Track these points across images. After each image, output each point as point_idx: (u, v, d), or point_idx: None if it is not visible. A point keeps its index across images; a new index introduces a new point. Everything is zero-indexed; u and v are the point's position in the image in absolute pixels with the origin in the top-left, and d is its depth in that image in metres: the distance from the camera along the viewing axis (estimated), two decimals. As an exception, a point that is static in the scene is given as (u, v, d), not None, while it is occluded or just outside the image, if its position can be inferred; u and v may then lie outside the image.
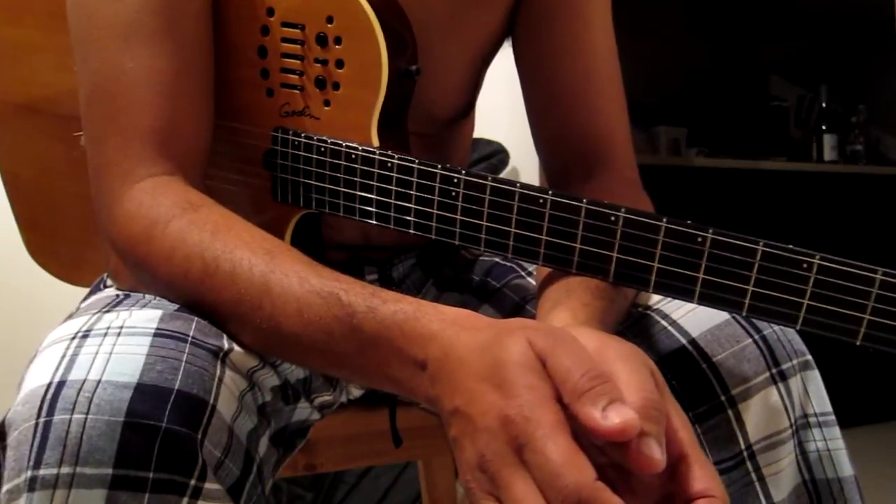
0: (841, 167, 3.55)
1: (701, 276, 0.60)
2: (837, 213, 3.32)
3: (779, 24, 3.77)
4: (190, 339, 0.60)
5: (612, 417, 0.46)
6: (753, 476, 0.66)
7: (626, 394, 0.48)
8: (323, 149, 0.74)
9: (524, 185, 0.65)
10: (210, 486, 0.55)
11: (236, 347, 0.63)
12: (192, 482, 0.54)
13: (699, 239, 0.59)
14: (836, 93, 3.71)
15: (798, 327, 0.57)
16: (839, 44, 3.79)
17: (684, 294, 0.61)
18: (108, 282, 0.83)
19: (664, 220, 0.61)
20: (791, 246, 0.57)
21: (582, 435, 0.47)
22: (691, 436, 0.51)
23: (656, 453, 0.47)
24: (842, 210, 3.34)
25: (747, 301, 0.59)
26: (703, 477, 0.49)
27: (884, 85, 3.72)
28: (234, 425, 0.59)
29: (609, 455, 0.49)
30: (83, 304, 0.75)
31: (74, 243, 1.04)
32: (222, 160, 0.80)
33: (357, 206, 0.73)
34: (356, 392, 0.90)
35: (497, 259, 0.94)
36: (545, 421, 0.47)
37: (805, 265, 0.56)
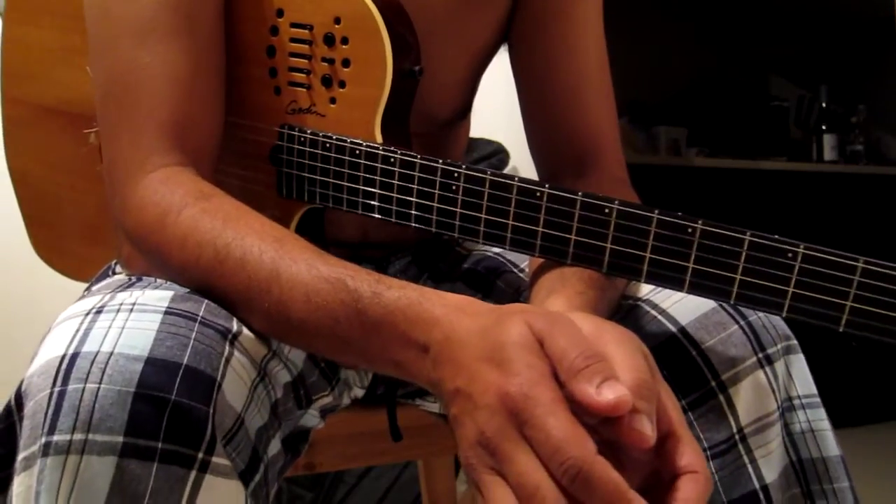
0: (841, 167, 3.54)
1: (691, 265, 0.62)
2: (837, 213, 3.32)
3: (779, 24, 3.77)
4: (199, 318, 0.61)
5: (606, 393, 0.48)
6: (745, 458, 0.68)
7: (619, 373, 0.50)
8: (328, 145, 0.76)
9: (522, 179, 0.67)
10: (218, 460, 0.56)
11: (245, 331, 0.64)
12: (200, 455, 0.55)
13: (689, 230, 0.61)
14: (836, 93, 3.71)
15: (784, 314, 0.59)
16: (839, 44, 3.80)
17: (675, 283, 0.63)
18: (118, 269, 0.85)
19: (656, 211, 0.63)
20: (777, 236, 0.59)
21: (576, 414, 0.49)
22: (680, 415, 0.53)
23: (647, 429, 0.49)
24: (842, 210, 3.34)
25: (735, 289, 0.61)
26: (688, 453, 0.51)
27: (884, 85, 3.72)
28: (245, 416, 0.60)
29: (600, 433, 0.51)
30: (94, 287, 0.77)
31: (80, 240, 1.05)
32: (230, 155, 0.82)
33: (360, 200, 0.75)
34: (358, 392, 0.91)
35: (489, 254, 0.96)
36: (544, 398, 0.49)
37: (790, 254, 0.58)
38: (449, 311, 0.56)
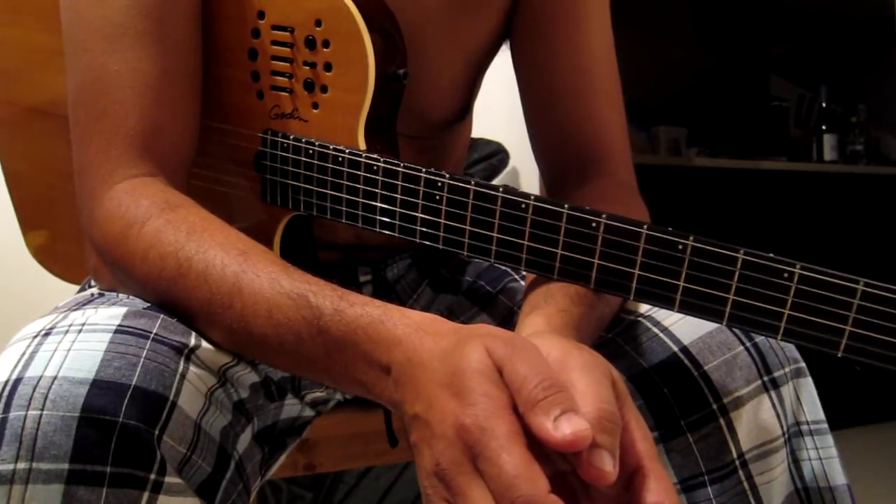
0: (841, 167, 3.55)
1: (682, 283, 0.59)
2: (837, 213, 3.32)
3: (779, 24, 3.77)
4: (152, 335, 0.60)
5: (564, 428, 0.46)
6: (746, 485, 0.66)
7: (581, 404, 0.48)
8: (311, 151, 0.74)
9: (507, 190, 0.65)
10: (171, 480, 0.55)
11: (205, 344, 0.63)
12: (152, 476, 0.54)
13: (680, 246, 0.59)
14: (836, 93, 3.71)
15: (779, 337, 0.57)
16: (839, 44, 3.79)
17: (665, 302, 0.61)
18: (93, 282, 0.83)
19: (645, 226, 0.60)
20: (772, 255, 0.56)
21: (540, 444, 0.47)
22: (650, 447, 0.51)
23: (607, 465, 0.47)
24: (842, 210, 3.33)
25: (728, 310, 0.58)
26: (656, 490, 0.49)
27: (884, 85, 3.72)
28: (202, 422, 0.59)
29: (570, 462, 0.49)
30: (62, 303, 0.76)
31: (76, 243, 1.04)
32: (214, 161, 0.80)
33: (344, 208, 0.73)
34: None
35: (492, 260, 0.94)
36: (500, 431, 0.47)
37: (786, 274, 0.56)
38: (411, 331, 0.55)
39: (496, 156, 2.03)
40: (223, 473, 0.60)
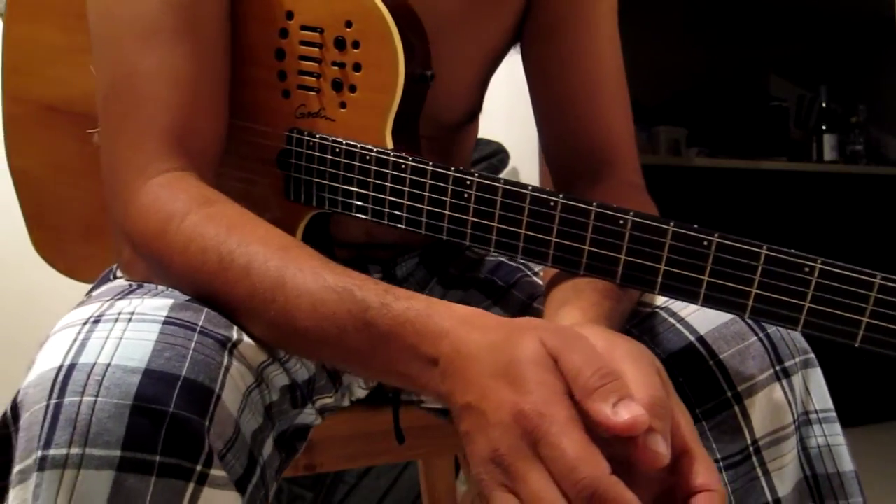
0: (841, 167, 3.55)
1: (706, 278, 0.61)
2: (837, 213, 3.32)
3: (779, 24, 3.77)
4: (199, 328, 0.61)
5: (622, 413, 0.48)
6: (759, 471, 0.68)
7: (633, 391, 0.50)
8: (338, 150, 0.75)
9: (535, 188, 0.67)
10: (216, 472, 0.55)
11: (245, 339, 0.64)
12: (199, 468, 0.54)
13: (705, 243, 0.61)
14: (836, 93, 3.72)
15: (799, 329, 0.59)
16: (839, 44, 3.80)
17: (689, 296, 0.63)
18: (118, 273, 0.84)
19: (671, 223, 0.62)
20: (793, 250, 0.58)
21: (589, 430, 0.49)
22: (693, 432, 0.53)
23: (662, 448, 0.49)
24: (842, 210, 3.34)
25: (750, 303, 0.60)
26: (703, 472, 0.51)
27: (884, 85, 3.73)
28: (240, 421, 0.60)
29: (613, 449, 0.50)
30: (94, 293, 0.76)
31: (82, 240, 1.05)
32: (236, 159, 0.81)
33: (370, 206, 0.75)
34: (359, 393, 0.91)
35: (503, 258, 0.95)
36: (559, 416, 0.49)
37: (807, 269, 0.58)
38: (457, 323, 0.56)
39: (496, 156, 2.04)
40: (250, 477, 0.60)
